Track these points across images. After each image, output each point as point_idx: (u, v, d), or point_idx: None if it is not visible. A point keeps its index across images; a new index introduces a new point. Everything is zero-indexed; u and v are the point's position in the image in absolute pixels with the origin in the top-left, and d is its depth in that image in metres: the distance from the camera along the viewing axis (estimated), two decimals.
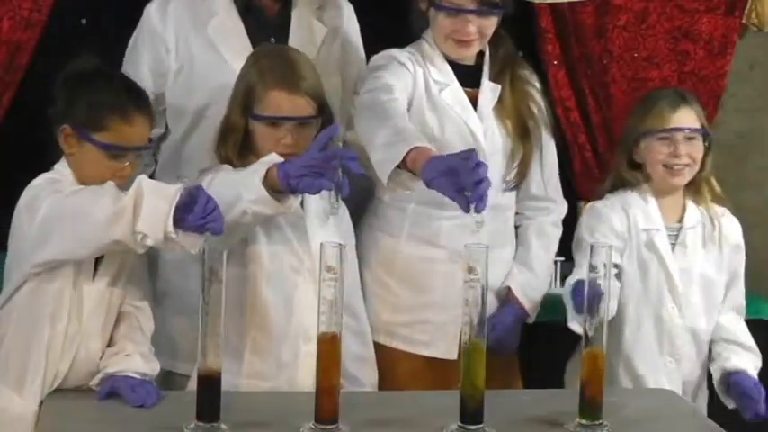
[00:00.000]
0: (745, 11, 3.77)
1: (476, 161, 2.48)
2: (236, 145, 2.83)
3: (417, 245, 3.09)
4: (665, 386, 3.06)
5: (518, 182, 3.14)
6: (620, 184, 3.20)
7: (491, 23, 3.04)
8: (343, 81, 3.19)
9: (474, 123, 3.06)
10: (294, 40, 3.12)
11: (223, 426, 2.37)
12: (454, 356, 3.01)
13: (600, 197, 3.23)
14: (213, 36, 3.10)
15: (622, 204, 3.16)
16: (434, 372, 3.07)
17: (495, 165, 3.04)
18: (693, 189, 3.18)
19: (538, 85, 3.21)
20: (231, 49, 3.07)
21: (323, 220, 2.89)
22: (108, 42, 3.28)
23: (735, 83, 3.83)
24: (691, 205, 3.18)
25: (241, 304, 2.81)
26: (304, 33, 3.12)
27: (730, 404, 3.10)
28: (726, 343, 3.16)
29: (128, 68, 3.10)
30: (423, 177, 2.55)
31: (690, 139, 3.11)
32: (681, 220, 3.17)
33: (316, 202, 2.88)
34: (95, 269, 2.65)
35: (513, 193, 3.17)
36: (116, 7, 3.45)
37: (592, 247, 2.49)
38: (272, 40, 3.12)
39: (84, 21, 3.67)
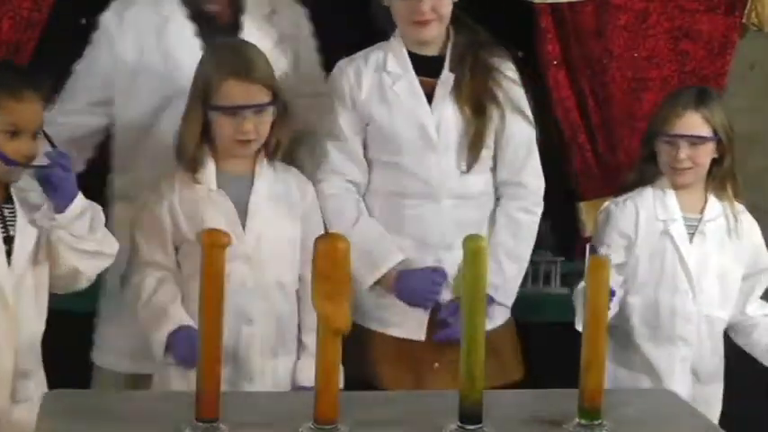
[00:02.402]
0: (745, 11, 3.77)
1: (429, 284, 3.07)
2: (195, 137, 2.92)
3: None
4: (676, 371, 3.16)
5: (472, 161, 3.13)
6: (640, 179, 3.25)
7: (446, 1, 3.08)
8: (297, 81, 3.26)
9: (424, 113, 3.11)
10: None
11: (223, 426, 2.36)
12: (422, 337, 3.15)
13: (624, 188, 3.28)
14: (167, 43, 3.19)
15: (635, 201, 3.21)
16: (405, 353, 3.17)
17: (448, 153, 3.11)
18: (717, 184, 3.22)
19: (511, 73, 3.20)
20: (185, 55, 3.14)
21: (270, 206, 2.96)
22: None
23: (735, 83, 3.83)
24: (713, 199, 3.23)
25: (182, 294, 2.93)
26: (255, 38, 3.17)
27: None
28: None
29: (80, 76, 3.21)
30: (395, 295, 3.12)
31: (694, 143, 3.14)
32: (702, 212, 3.21)
33: (266, 188, 2.96)
34: (8, 257, 2.67)
35: (484, 181, 3.17)
36: None
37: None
38: None
39: (84, 21, 3.67)
